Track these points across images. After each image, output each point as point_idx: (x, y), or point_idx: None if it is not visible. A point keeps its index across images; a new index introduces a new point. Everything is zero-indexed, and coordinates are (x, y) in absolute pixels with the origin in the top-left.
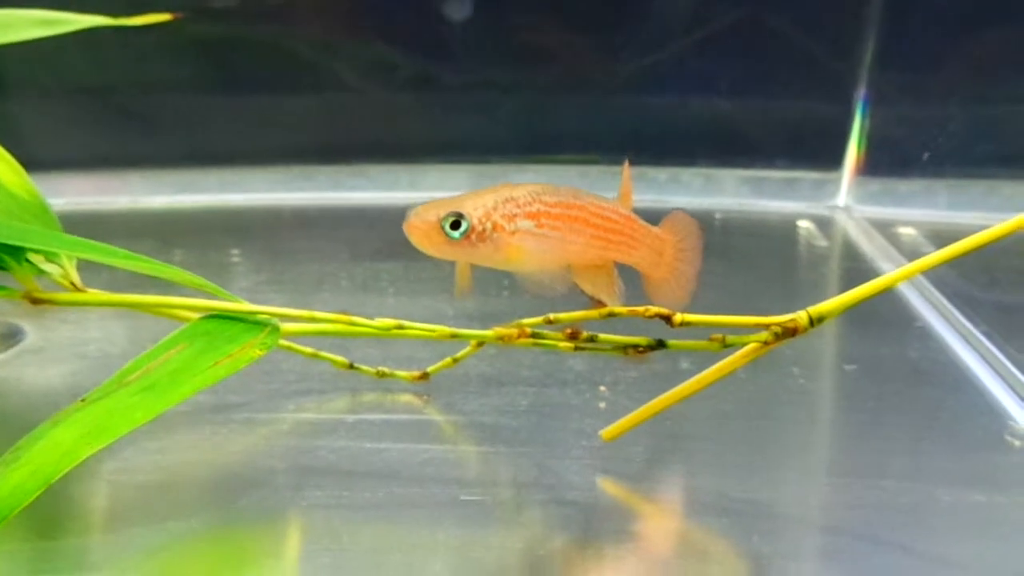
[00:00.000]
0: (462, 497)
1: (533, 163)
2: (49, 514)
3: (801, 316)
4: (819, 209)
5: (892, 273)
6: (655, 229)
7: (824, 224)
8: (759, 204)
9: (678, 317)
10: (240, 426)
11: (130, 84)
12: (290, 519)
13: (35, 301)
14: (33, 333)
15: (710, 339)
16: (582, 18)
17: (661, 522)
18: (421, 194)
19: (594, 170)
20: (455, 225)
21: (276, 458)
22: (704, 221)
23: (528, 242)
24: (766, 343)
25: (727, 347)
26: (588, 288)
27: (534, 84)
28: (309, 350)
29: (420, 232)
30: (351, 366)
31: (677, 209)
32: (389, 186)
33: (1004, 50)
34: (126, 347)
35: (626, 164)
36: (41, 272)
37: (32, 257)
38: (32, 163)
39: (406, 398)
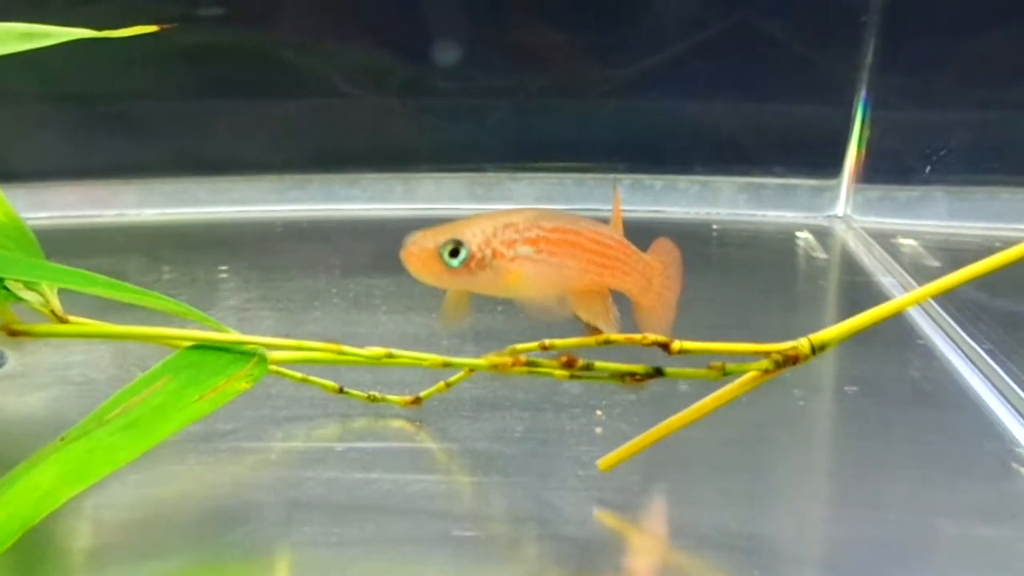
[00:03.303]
0: (454, 532)
1: (528, 171)
2: (29, 553)
3: (803, 344)
4: (817, 219)
5: (899, 299)
6: (645, 256)
7: (823, 235)
8: (756, 214)
9: (676, 345)
10: (227, 455)
11: (117, 92)
12: (277, 556)
13: (13, 333)
14: (14, 358)
15: (709, 367)
16: (577, 23)
17: (659, 558)
18: (415, 205)
19: (589, 178)
20: (454, 253)
21: (263, 491)
22: (701, 232)
23: (528, 268)
24: (766, 371)
25: (727, 375)
26: (584, 315)
27: (528, 90)
28: (299, 375)
29: (418, 261)
30: (341, 391)
31: (662, 236)
32: (383, 196)
33: (1005, 54)
34: (111, 372)
35: (616, 190)
36: (19, 300)
37: (11, 284)
38: (16, 174)
39: (398, 424)
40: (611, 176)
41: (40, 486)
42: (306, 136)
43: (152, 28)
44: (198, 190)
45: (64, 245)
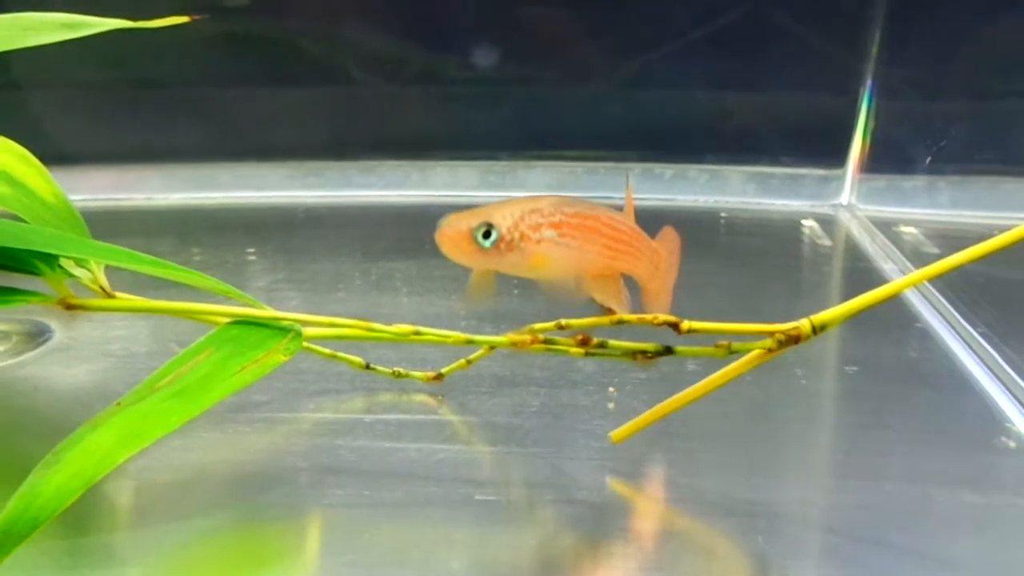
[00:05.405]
0: (476, 496)
1: (541, 160)
2: (81, 511)
3: (804, 324)
4: (823, 208)
5: (895, 282)
6: (653, 242)
7: (827, 223)
8: (764, 202)
9: (685, 325)
10: (262, 425)
11: (144, 80)
12: (311, 516)
13: (69, 307)
14: (60, 332)
15: (716, 346)
16: (590, 13)
17: (668, 522)
18: (431, 192)
19: (601, 167)
20: (486, 234)
21: (297, 457)
22: (710, 220)
23: (551, 251)
24: (770, 350)
25: (732, 353)
26: (598, 296)
27: (542, 80)
28: (328, 351)
29: (452, 241)
30: (368, 367)
31: (668, 225)
32: (399, 184)
33: (1008, 46)
34: (150, 346)
35: (628, 180)
36: (71, 276)
37: (63, 262)
38: (48, 159)
39: (421, 398)
40: (622, 165)
41: (100, 447)
42: (324, 124)
43: (184, 19)
44: (221, 176)
45: (96, 227)
